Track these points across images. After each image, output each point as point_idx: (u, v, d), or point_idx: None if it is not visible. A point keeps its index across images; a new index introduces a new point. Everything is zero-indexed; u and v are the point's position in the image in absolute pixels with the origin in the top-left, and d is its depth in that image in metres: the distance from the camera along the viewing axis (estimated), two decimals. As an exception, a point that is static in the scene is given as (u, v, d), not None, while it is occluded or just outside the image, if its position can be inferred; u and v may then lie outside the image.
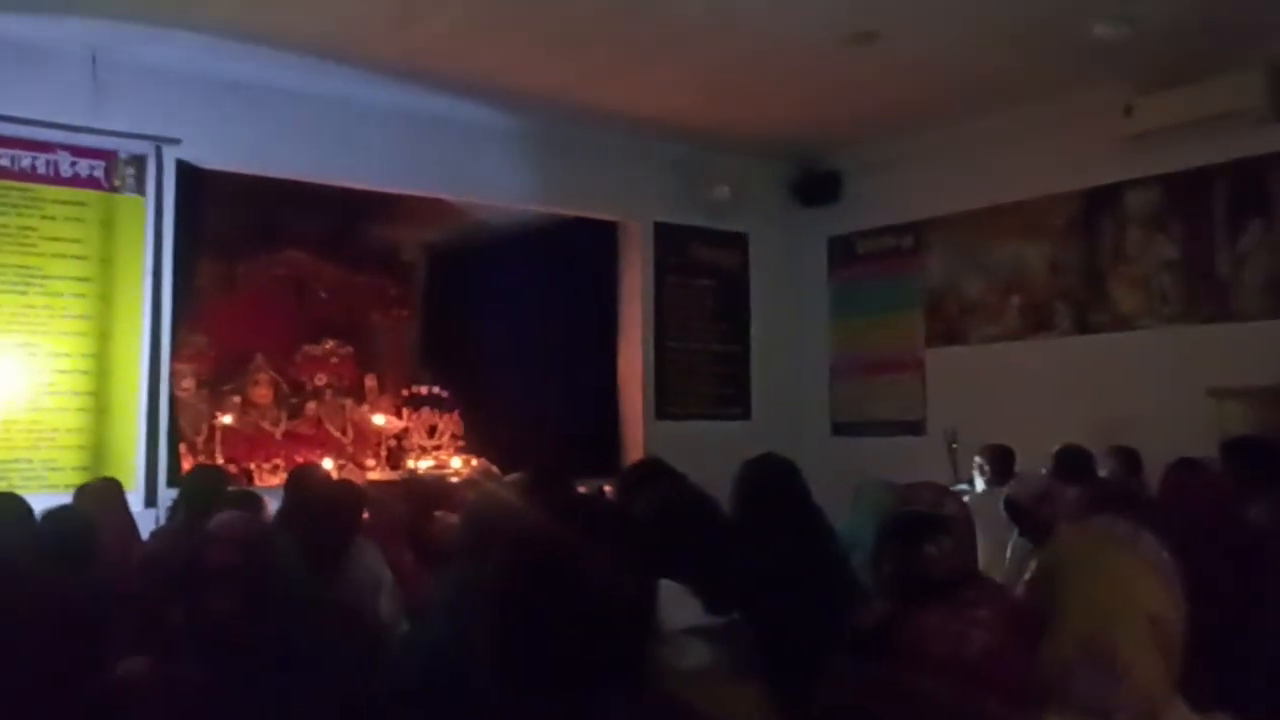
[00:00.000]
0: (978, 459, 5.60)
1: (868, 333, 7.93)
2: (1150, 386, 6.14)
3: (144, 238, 5.75)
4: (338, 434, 7.79)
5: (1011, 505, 3.85)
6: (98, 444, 5.60)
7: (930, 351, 7.55)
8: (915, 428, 7.48)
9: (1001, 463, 5.45)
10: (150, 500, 5.50)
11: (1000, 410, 6.62)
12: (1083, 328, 6.75)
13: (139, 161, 5.77)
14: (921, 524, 2.29)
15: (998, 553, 3.92)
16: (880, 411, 7.78)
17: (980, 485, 5.50)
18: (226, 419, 7.33)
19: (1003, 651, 2.09)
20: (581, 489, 6.46)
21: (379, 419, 7.80)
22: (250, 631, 2.10)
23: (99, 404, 5.61)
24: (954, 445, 6.59)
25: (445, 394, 7.95)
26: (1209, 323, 6.16)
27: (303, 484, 3.75)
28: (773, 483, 3.08)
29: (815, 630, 2.33)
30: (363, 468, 7.26)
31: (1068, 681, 1.38)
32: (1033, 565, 1.58)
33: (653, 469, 3.16)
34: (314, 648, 2.16)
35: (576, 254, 7.77)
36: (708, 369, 7.89)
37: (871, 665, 2.17)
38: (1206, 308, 6.20)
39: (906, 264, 7.71)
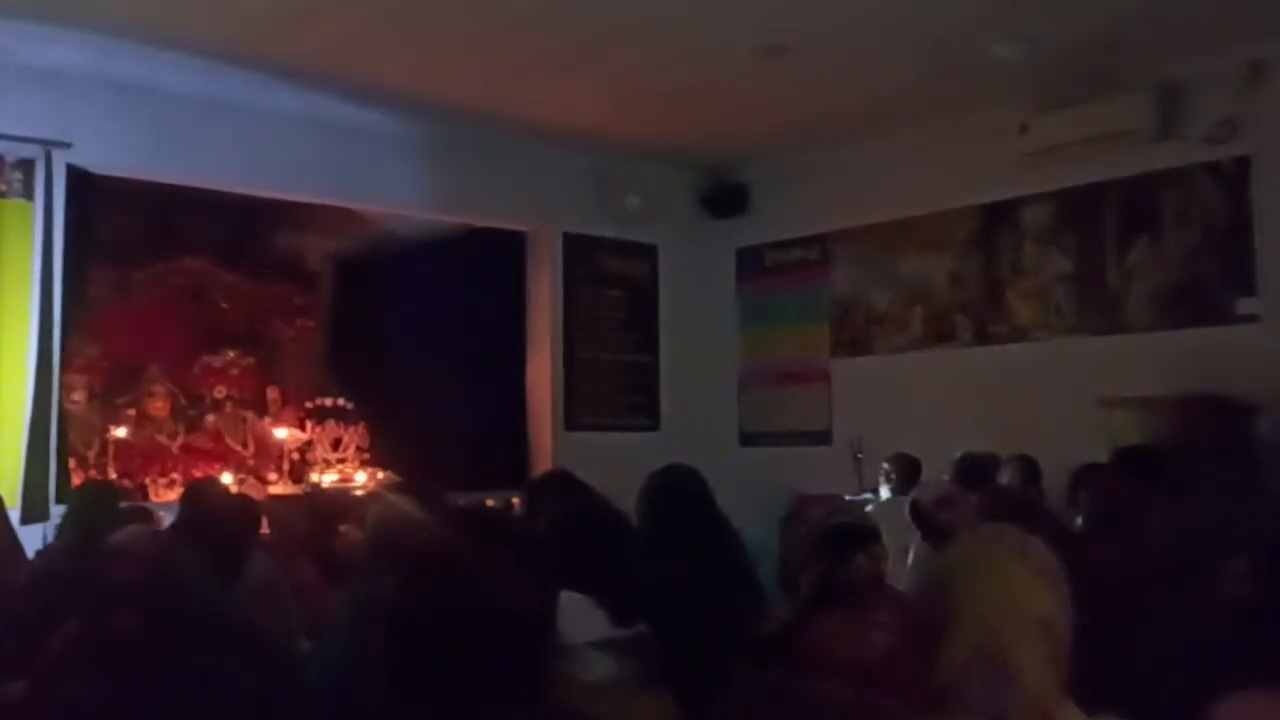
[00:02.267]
0: (885, 466, 5.70)
1: (775, 343, 8.02)
2: (1045, 396, 6.33)
3: (32, 244, 5.50)
4: (238, 447, 7.59)
5: (915, 509, 3.94)
6: (-21, 460, 5.35)
7: (836, 362, 7.67)
8: (822, 437, 7.59)
9: (907, 471, 5.56)
10: (34, 517, 5.26)
11: (904, 419, 6.75)
12: (982, 339, 6.92)
13: (27, 166, 5.54)
14: (856, 534, 2.35)
15: (900, 558, 3.99)
16: (788, 421, 7.86)
17: (885, 493, 5.59)
18: (120, 432, 7.08)
19: (902, 654, 2.13)
20: (490, 501, 6.45)
21: (281, 432, 7.62)
22: (153, 649, 2.03)
23: (-19, 417, 5.37)
24: (859, 455, 6.70)
25: (350, 406, 7.80)
26: (1100, 334, 6.37)
27: (198, 497, 3.64)
28: (678, 493, 3.08)
29: (721, 639, 2.34)
30: (264, 482, 7.09)
31: (962, 686, 1.40)
32: (928, 572, 1.61)
33: (558, 481, 3.14)
34: (216, 667, 2.09)
35: (485, 264, 7.72)
36: (617, 380, 7.89)
37: (774, 670, 2.19)
38: (1098, 320, 6.41)
39: (813, 276, 7.82)
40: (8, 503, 4.68)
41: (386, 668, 1.34)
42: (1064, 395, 6.20)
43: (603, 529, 2.15)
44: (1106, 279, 6.40)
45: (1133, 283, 6.30)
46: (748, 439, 8.10)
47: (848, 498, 4.25)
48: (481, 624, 1.30)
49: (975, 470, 5.05)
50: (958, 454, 5.23)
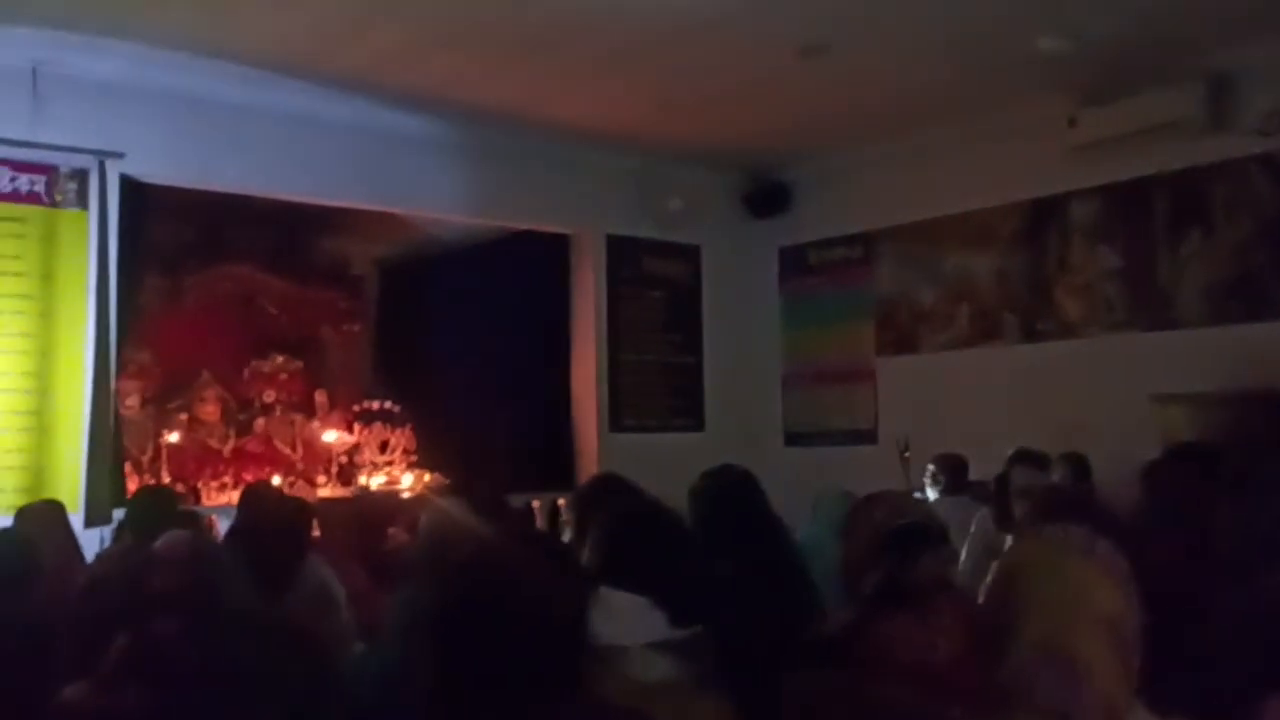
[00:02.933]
0: (930, 468, 5.62)
1: (819, 343, 7.98)
2: (1096, 393, 6.25)
3: (87, 253, 5.62)
4: (287, 451, 7.69)
5: (1003, 483, 3.85)
6: (39, 465, 5.46)
7: (881, 361, 7.62)
8: (867, 437, 7.54)
9: (954, 472, 5.49)
10: (97, 521, 5.36)
11: (951, 418, 6.69)
12: (1030, 336, 6.85)
13: (81, 176, 5.65)
14: (920, 535, 2.30)
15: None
16: (833, 421, 7.83)
17: (932, 494, 5.53)
18: (173, 437, 7.20)
19: (969, 659, 2.09)
20: (535, 503, 6.47)
21: (329, 435, 7.71)
22: (195, 656, 2.05)
23: (40, 424, 5.48)
24: (906, 454, 6.64)
25: (397, 409, 7.87)
26: (1151, 330, 6.28)
27: (253, 502, 3.68)
28: (732, 494, 3.08)
29: (778, 641, 2.33)
30: (313, 485, 7.17)
31: (1029, 685, 1.39)
32: (992, 571, 1.59)
33: (608, 484, 3.14)
34: (261, 671, 2.11)
35: (529, 267, 7.76)
36: (661, 381, 7.89)
37: (835, 673, 2.17)
38: (1149, 315, 6.31)
39: (857, 274, 7.78)
40: (70, 508, 4.79)
41: (432, 670, 1.36)
42: (1114, 393, 6.12)
43: (658, 530, 2.15)
44: (1157, 274, 6.30)
45: (1184, 277, 6.20)
46: (792, 439, 8.07)
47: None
48: (520, 626, 1.32)
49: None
50: (1011, 451, 5.14)
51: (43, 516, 4.29)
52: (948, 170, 7.05)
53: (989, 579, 1.57)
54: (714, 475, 3.18)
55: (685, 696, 1.73)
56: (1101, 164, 6.35)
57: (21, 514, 4.37)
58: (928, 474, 5.62)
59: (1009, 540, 2.86)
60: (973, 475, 5.53)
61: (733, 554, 2.77)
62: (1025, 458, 4.99)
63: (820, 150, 7.52)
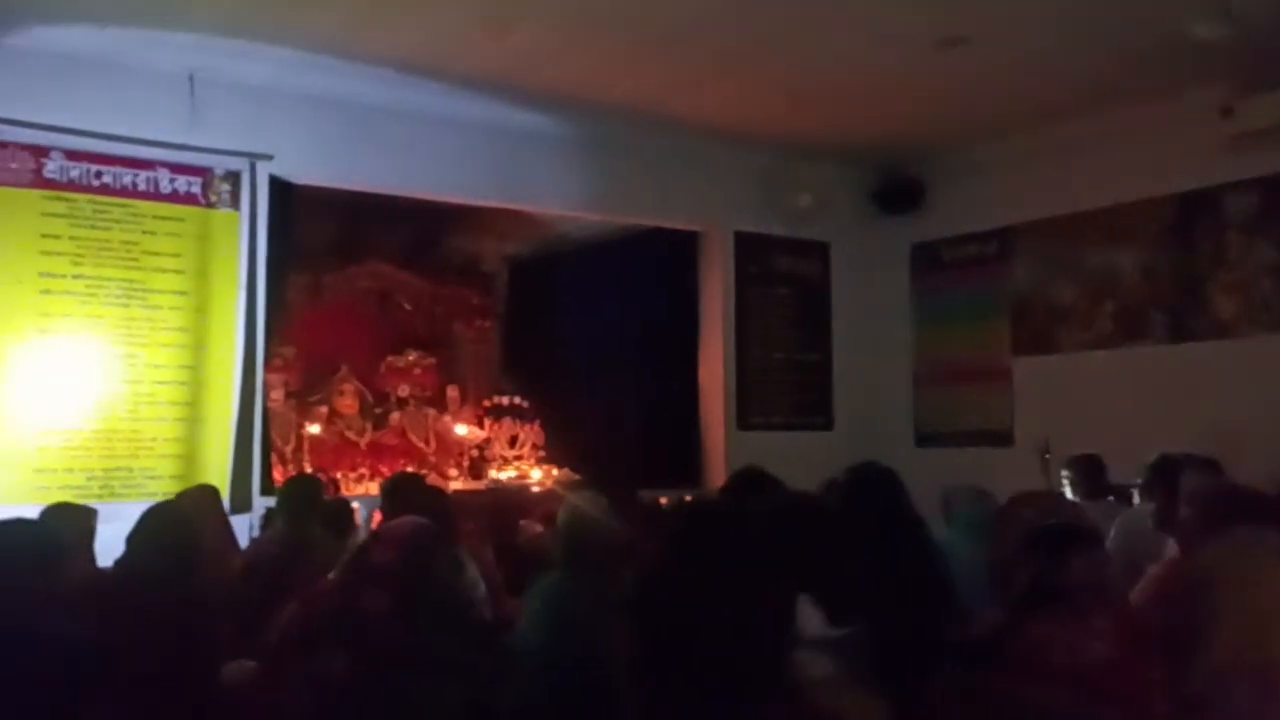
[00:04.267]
0: (1064, 472, 5.39)
1: (953, 341, 7.79)
2: (1252, 396, 5.95)
3: (238, 251, 5.87)
4: (421, 444, 7.89)
5: (1172, 485, 3.69)
6: (192, 453, 5.71)
7: (1018, 360, 7.39)
8: (1003, 438, 7.32)
9: (1090, 473, 5.23)
10: (240, 508, 5.59)
11: (1092, 420, 6.45)
12: (1179, 335, 6.55)
13: (234, 177, 5.90)
14: (1070, 535, 2.23)
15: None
16: (966, 422, 7.63)
17: (1072, 499, 5.32)
18: (314, 429, 7.46)
19: (1125, 663, 2.02)
20: (663, 499, 6.49)
21: (461, 429, 7.89)
22: (397, 631, 2.14)
23: (194, 414, 5.73)
24: (1047, 456, 6.42)
25: (526, 404, 8.00)
26: (1314, 330, 5.95)
27: (399, 490, 3.79)
28: (875, 490, 3.03)
29: (927, 640, 2.28)
30: (445, 477, 7.34)
31: (1222, 696, 1.33)
32: (1160, 573, 1.52)
33: (757, 478, 3.13)
34: (453, 654, 2.18)
35: (657, 264, 7.78)
36: (789, 379, 7.81)
37: (986, 675, 2.13)
38: (1311, 315, 5.98)
39: (993, 271, 7.56)
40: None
41: (637, 664, 1.36)
42: (1272, 396, 5.81)
43: (818, 527, 2.13)
44: (1320, 271, 5.97)
45: (1350, 274, 5.85)
46: (924, 439, 7.89)
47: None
48: (731, 621, 1.31)
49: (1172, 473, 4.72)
50: (1153, 456, 4.92)
51: (199, 500, 4.50)
52: (1091, 163, 6.80)
53: (1161, 583, 1.51)
54: (857, 471, 3.15)
55: (846, 693, 1.71)
56: (1260, 155, 6.03)
57: (179, 497, 4.59)
58: (1063, 478, 5.40)
59: (1171, 544, 2.74)
60: (1112, 479, 5.31)
61: (878, 551, 2.72)
62: (1173, 462, 4.75)
63: (955, 145, 7.34)
